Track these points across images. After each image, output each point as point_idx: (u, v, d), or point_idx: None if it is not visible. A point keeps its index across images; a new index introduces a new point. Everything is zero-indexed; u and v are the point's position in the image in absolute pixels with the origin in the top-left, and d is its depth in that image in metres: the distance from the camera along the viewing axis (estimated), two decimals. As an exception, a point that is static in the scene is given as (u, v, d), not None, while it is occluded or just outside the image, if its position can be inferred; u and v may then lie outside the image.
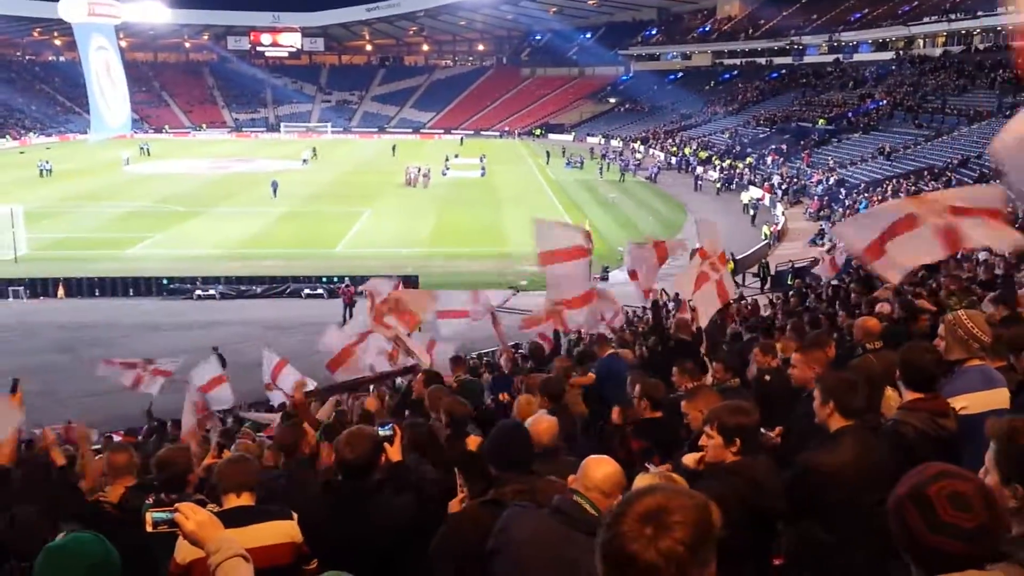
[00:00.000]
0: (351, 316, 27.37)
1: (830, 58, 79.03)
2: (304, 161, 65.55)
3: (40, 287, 30.95)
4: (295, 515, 3.92)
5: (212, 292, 30.78)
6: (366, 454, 4.06)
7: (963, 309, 5.12)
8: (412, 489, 4.15)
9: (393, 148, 73.73)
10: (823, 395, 3.81)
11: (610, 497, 3.10)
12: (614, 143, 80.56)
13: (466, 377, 9.38)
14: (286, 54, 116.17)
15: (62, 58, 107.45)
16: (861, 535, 3.31)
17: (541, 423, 4.49)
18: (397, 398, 9.52)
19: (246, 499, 3.94)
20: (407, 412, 7.22)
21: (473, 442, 5.15)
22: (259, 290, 31.08)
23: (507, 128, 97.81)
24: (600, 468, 3.19)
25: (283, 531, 3.84)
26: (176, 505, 3.20)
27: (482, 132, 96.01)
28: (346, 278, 30.05)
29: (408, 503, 4.05)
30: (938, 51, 66.66)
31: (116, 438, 13.97)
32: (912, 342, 4.61)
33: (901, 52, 70.34)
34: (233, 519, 3.74)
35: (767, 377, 6.05)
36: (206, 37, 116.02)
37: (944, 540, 1.82)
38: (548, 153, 71.90)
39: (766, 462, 3.61)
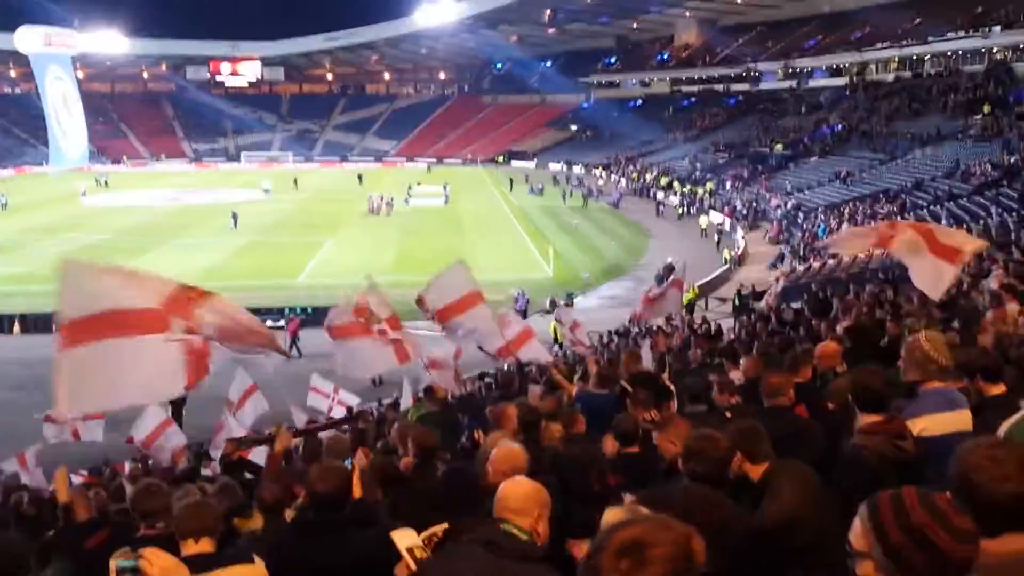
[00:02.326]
0: (297, 350, 27.10)
1: (786, 84, 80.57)
2: (266, 191, 65.14)
3: (-4, 323, 30.32)
4: (257, 559, 3.82)
5: (172, 325, 30.32)
6: (338, 487, 4.04)
7: (923, 331, 5.18)
8: (377, 524, 4.08)
9: (359, 177, 73.61)
10: (731, 442, 3.78)
11: (536, 517, 3.07)
12: (576, 170, 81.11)
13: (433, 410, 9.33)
14: (246, 83, 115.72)
15: (17, 90, 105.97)
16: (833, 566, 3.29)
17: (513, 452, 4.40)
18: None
19: (205, 545, 3.86)
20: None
21: None
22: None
23: (470, 156, 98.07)
24: (516, 489, 3.14)
25: None
26: (141, 551, 3.12)
27: (445, 160, 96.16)
28: (296, 310, 30.11)
29: (376, 537, 3.94)
30: (891, 76, 68.24)
31: (76, 479, 13.59)
32: (862, 366, 4.67)
33: (855, 78, 71.88)
34: (193, 567, 3.65)
35: (727, 413, 6.02)
36: (164, 67, 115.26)
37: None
38: (511, 180, 72.21)
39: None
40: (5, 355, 27.57)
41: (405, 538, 3.29)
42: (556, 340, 23.64)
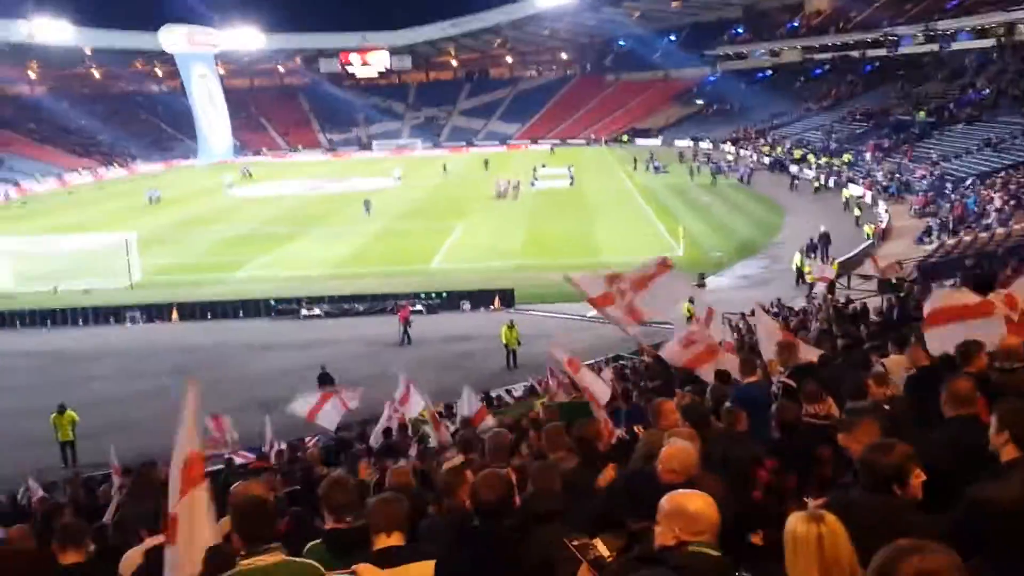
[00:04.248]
0: (408, 337, 27.76)
1: (927, 48, 76.17)
2: (397, 178, 66.69)
3: (155, 312, 32.29)
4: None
5: (317, 311, 31.68)
6: (502, 495, 4.01)
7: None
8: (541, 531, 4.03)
9: (486, 162, 74.39)
10: (998, 423, 3.66)
11: (708, 526, 3.06)
12: (703, 145, 79.46)
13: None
14: (375, 74, 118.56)
15: (163, 87, 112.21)
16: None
17: (685, 451, 4.38)
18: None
19: (396, 538, 3.96)
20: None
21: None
22: (361, 308, 31.81)
23: (594, 135, 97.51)
24: (695, 503, 3.11)
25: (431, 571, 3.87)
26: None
27: (568, 141, 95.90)
28: (420, 295, 31.51)
29: (540, 545, 3.91)
30: (1043, 35, 63.63)
31: (237, 460, 14.40)
32: None
33: (1003, 39, 67.31)
34: (386, 560, 3.86)
35: (886, 406, 5.83)
36: (298, 61, 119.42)
37: None
38: (635, 159, 71.48)
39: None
40: (165, 341, 29.44)
41: (588, 547, 3.33)
42: (689, 320, 23.33)
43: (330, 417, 15.46)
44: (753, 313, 16.42)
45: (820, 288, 26.14)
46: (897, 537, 3.18)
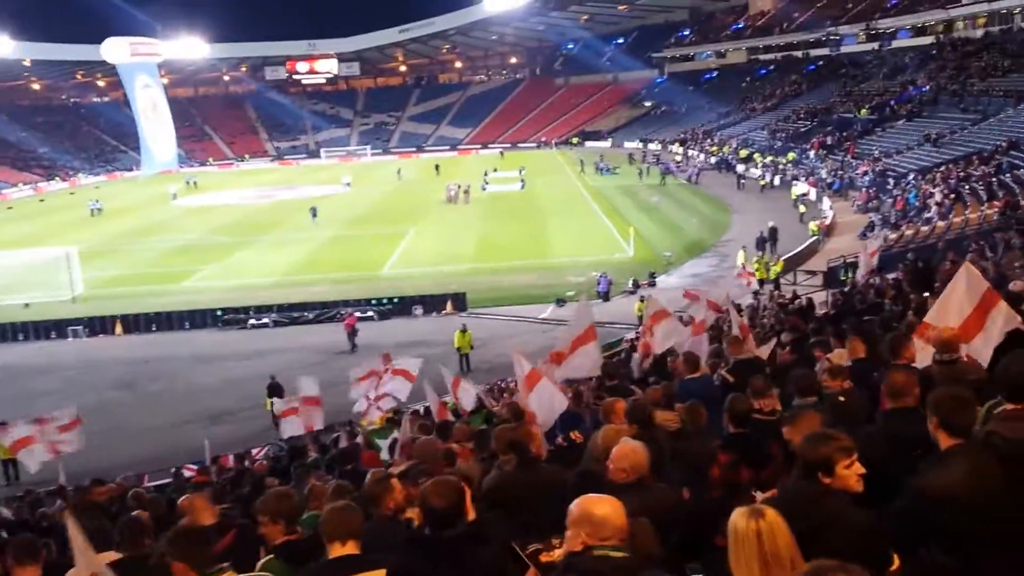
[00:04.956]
0: (354, 345, 27.52)
1: (868, 47, 77.81)
2: (347, 184, 66.25)
3: (98, 325, 31.52)
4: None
5: (265, 321, 31.19)
6: (453, 502, 3.89)
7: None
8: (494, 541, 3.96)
9: (436, 167, 74.09)
10: (928, 410, 3.68)
11: (615, 531, 3.06)
12: (652, 146, 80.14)
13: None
14: (323, 80, 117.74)
15: (106, 99, 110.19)
16: (984, 554, 3.20)
17: (636, 451, 4.39)
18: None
19: (351, 547, 3.87)
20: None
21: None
22: (311, 316, 31.41)
23: (544, 139, 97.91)
24: (602, 509, 3.12)
25: None
26: None
27: (519, 144, 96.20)
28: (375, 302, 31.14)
29: (493, 554, 3.85)
30: (979, 33, 65.30)
31: (187, 473, 14.15)
32: (1018, 351, 4.42)
33: (941, 36, 69.00)
34: (341, 569, 3.78)
35: (841, 399, 5.85)
36: (244, 69, 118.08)
37: None
38: (582, 162, 71.84)
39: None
40: (110, 355, 28.77)
41: (538, 552, 3.30)
42: (641, 320, 23.45)
43: (293, 427, 15.32)
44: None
45: (753, 285, 26.35)
46: (822, 524, 3.17)
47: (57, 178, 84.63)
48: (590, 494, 3.29)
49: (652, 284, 31.97)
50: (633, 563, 3.07)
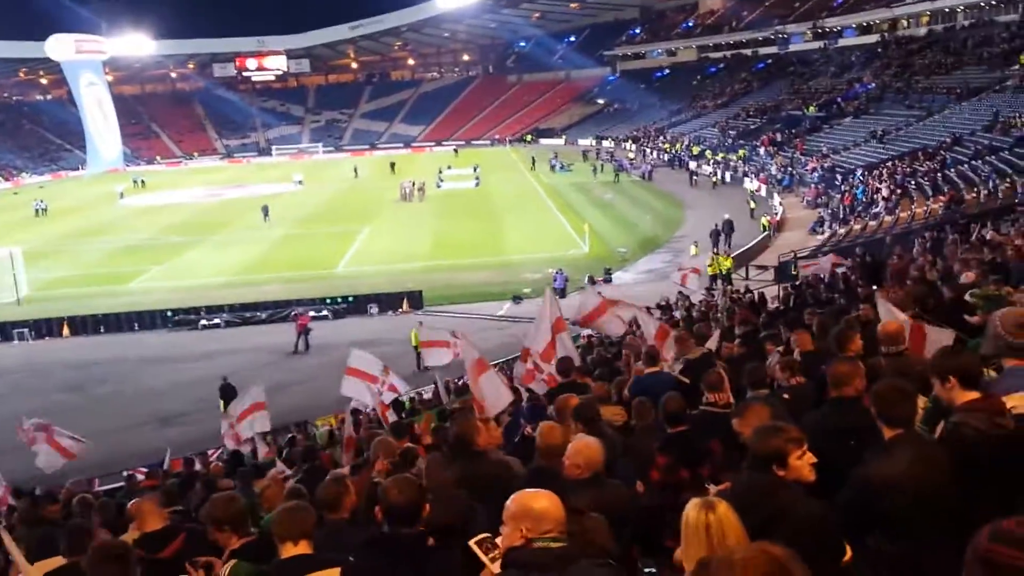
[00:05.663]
0: (306, 345, 27.31)
1: (815, 45, 79.17)
2: (299, 182, 65.53)
3: (45, 327, 30.77)
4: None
5: (217, 321, 30.69)
6: (414, 500, 3.79)
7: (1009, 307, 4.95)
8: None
9: (392, 165, 73.32)
10: (871, 401, 3.75)
11: (554, 523, 3.10)
12: (606, 144, 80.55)
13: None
14: (272, 77, 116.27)
15: (49, 97, 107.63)
16: (929, 543, 3.26)
17: (590, 447, 4.41)
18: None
19: (304, 547, 3.87)
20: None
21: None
22: (264, 316, 31.00)
23: (497, 136, 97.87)
24: (540, 503, 3.15)
25: None
26: None
27: (473, 142, 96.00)
28: (300, 305, 30.64)
29: (452, 554, 3.66)
30: (923, 31, 66.82)
31: (138, 476, 13.88)
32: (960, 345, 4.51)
33: (886, 34, 70.44)
34: (293, 569, 3.76)
35: (786, 396, 5.93)
36: (192, 66, 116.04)
37: None
38: (534, 159, 71.86)
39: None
40: (56, 357, 28.10)
41: (491, 545, 3.30)
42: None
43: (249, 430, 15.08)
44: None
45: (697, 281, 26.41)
46: (776, 516, 3.21)
47: (0, 178, 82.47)
48: (526, 489, 3.30)
49: (608, 280, 32.14)
50: (572, 552, 3.09)
